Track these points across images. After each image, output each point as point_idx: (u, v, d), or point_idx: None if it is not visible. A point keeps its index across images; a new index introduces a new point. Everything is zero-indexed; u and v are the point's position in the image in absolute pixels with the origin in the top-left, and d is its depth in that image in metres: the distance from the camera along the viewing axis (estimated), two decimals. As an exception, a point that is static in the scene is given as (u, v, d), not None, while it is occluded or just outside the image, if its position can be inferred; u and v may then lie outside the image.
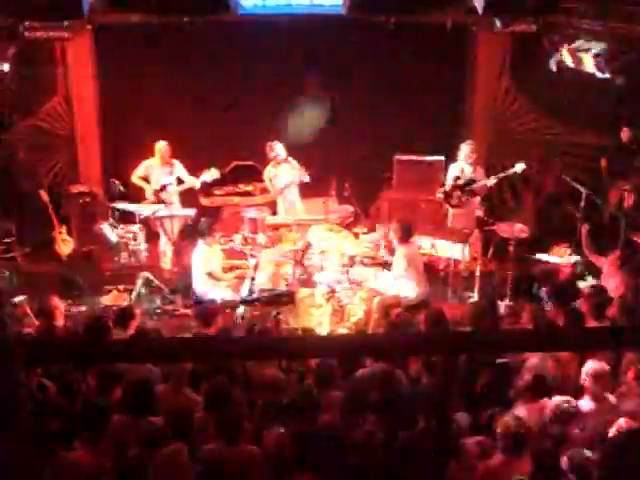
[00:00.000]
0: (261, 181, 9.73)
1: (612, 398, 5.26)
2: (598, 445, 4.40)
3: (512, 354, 5.87)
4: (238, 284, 8.23)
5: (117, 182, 9.39)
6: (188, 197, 9.73)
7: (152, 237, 9.82)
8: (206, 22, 10.11)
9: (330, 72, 10.52)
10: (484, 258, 9.37)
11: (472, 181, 9.38)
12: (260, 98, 10.47)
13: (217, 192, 10.02)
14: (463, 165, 9.45)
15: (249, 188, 10.06)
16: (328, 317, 7.79)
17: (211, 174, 9.29)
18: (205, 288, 8.27)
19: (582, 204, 9.27)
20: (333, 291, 7.89)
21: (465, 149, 9.47)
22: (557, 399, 4.86)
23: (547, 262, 8.89)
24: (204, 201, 9.88)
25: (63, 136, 10.56)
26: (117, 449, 4.79)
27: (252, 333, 6.51)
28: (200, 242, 8.37)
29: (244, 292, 7.83)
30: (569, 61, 8.73)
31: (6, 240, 9.62)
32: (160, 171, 9.36)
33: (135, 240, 9.61)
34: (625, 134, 9.87)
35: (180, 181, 9.41)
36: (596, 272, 8.27)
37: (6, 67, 8.81)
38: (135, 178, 9.37)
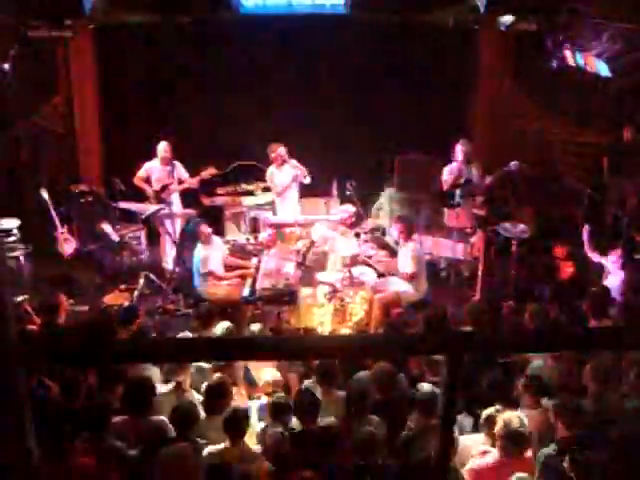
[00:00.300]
0: (263, 180, 9.72)
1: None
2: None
3: (514, 354, 5.86)
4: (240, 283, 8.23)
5: (118, 181, 9.39)
6: (190, 196, 9.73)
7: (153, 236, 9.84)
8: (207, 22, 10.13)
9: (331, 72, 10.51)
10: (486, 258, 9.35)
11: (469, 181, 9.37)
12: (261, 98, 10.45)
13: (219, 191, 10.01)
14: (459, 165, 9.45)
15: (251, 187, 10.05)
16: (330, 317, 7.79)
17: (208, 171, 9.31)
18: (205, 287, 8.28)
19: (584, 203, 9.27)
20: (335, 290, 7.88)
21: (460, 149, 9.47)
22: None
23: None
24: (206, 200, 9.87)
25: (64, 135, 10.56)
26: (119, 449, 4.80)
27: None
28: (198, 243, 8.38)
29: (246, 291, 7.82)
30: (581, 64, 8.66)
31: (8, 239, 9.61)
32: (160, 172, 9.36)
33: (136, 239, 9.62)
34: (627, 133, 9.85)
35: (180, 181, 9.41)
36: (598, 272, 8.26)
37: (7, 66, 8.81)
38: (137, 180, 9.38)
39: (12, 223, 9.37)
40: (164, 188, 9.26)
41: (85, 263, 9.66)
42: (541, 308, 6.63)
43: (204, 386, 5.49)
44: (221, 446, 4.79)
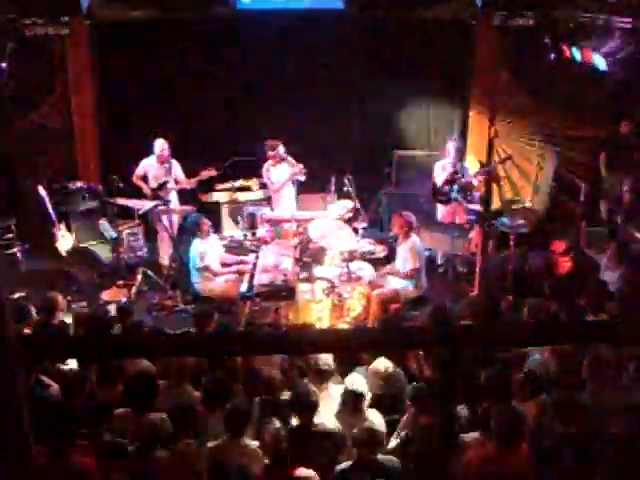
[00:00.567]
0: (260, 176, 9.71)
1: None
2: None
3: (512, 348, 5.87)
4: (237, 279, 8.23)
5: (116, 178, 9.38)
6: (187, 193, 9.73)
7: (151, 233, 9.84)
8: (205, 18, 10.12)
9: (329, 68, 10.50)
10: (484, 253, 9.35)
11: (461, 177, 9.40)
12: (259, 94, 10.45)
13: (216, 187, 10.01)
14: (452, 161, 9.47)
15: (248, 183, 10.04)
16: (328, 312, 7.79)
17: (208, 172, 9.33)
18: (202, 283, 8.28)
19: (581, 198, 9.28)
20: (333, 286, 7.89)
21: (452, 145, 9.48)
22: None
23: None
24: (203, 197, 9.87)
25: (61, 133, 10.54)
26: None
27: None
28: (196, 238, 8.37)
29: (244, 287, 7.83)
30: (578, 58, 8.66)
31: (6, 236, 9.62)
32: (157, 169, 9.36)
33: (134, 236, 9.62)
34: (624, 128, 9.86)
35: (177, 181, 9.42)
36: (595, 267, 8.27)
37: (4, 64, 8.79)
38: (135, 178, 9.39)
39: (9, 220, 9.40)
40: (161, 186, 9.26)
41: (82, 260, 9.65)
42: (539, 303, 6.65)
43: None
44: (220, 442, 4.79)
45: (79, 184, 10.08)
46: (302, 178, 9.43)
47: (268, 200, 9.83)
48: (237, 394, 5.43)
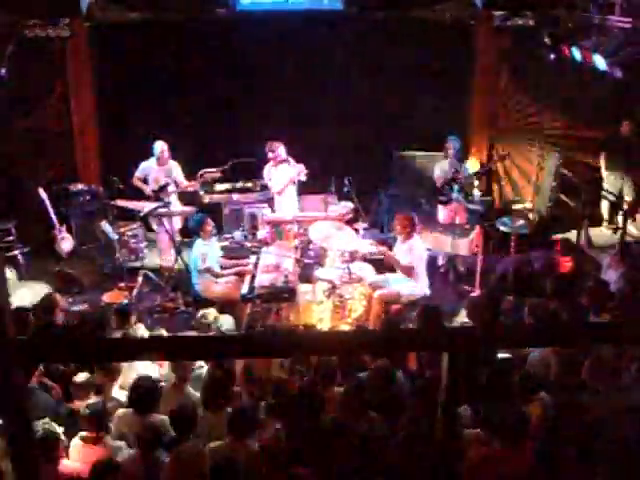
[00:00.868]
0: (261, 177, 9.71)
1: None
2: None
3: (513, 349, 5.87)
4: (238, 281, 8.22)
5: (116, 180, 9.38)
6: (188, 194, 9.73)
7: (152, 235, 9.83)
8: (204, 19, 10.11)
9: (329, 68, 10.50)
10: (485, 253, 9.35)
11: (461, 177, 9.39)
12: (259, 95, 10.44)
13: (217, 189, 10.00)
14: (451, 161, 9.47)
15: (249, 185, 10.04)
16: (329, 313, 7.79)
17: (210, 174, 9.34)
18: (204, 284, 8.27)
19: (582, 199, 9.28)
20: (334, 287, 7.88)
21: (451, 145, 9.48)
22: None
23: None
24: (204, 198, 9.87)
25: (61, 134, 10.54)
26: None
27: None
28: (197, 239, 8.36)
29: (245, 289, 7.82)
30: (578, 58, 8.65)
31: (6, 239, 9.61)
32: (157, 171, 9.36)
33: (135, 238, 9.62)
34: (625, 127, 9.85)
35: (177, 184, 9.43)
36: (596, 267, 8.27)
37: (4, 67, 8.79)
38: (134, 180, 9.39)
39: (10, 223, 9.40)
40: (162, 188, 9.26)
41: (83, 262, 9.66)
42: (540, 303, 6.64)
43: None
44: (223, 443, 4.79)
45: (80, 186, 10.09)
46: (303, 178, 9.43)
47: (269, 202, 9.82)
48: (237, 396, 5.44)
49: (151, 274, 9.13)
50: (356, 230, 9.02)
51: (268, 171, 9.51)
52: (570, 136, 10.52)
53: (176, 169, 9.42)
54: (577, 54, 8.59)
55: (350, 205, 9.24)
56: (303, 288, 7.99)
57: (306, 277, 8.23)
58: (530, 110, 10.75)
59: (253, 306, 7.76)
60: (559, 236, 9.78)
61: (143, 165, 9.42)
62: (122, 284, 9.00)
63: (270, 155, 9.41)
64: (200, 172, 9.45)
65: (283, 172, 9.47)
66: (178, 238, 9.39)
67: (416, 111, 10.59)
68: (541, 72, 10.00)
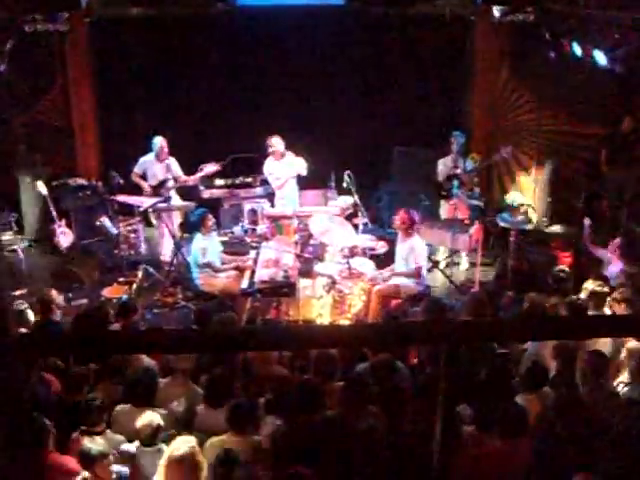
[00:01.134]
0: (261, 172, 9.70)
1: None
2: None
3: (512, 343, 5.88)
4: (238, 276, 8.22)
5: (116, 175, 9.38)
6: (188, 189, 9.72)
7: (152, 230, 9.83)
8: (204, 14, 10.10)
9: (329, 63, 10.49)
10: (484, 248, 9.36)
11: (462, 173, 9.40)
12: (259, 90, 10.43)
13: (217, 184, 9.99)
14: (454, 157, 9.47)
15: (249, 180, 10.03)
16: (329, 308, 7.79)
17: (210, 168, 9.33)
18: (203, 279, 8.28)
19: (583, 195, 9.27)
20: (334, 282, 7.88)
21: (454, 141, 9.49)
22: None
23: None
24: (204, 193, 9.86)
25: (61, 129, 10.54)
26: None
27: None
28: (197, 233, 8.36)
29: (245, 284, 7.82)
30: (578, 54, 8.62)
31: (6, 233, 9.62)
32: (156, 167, 9.36)
33: (135, 233, 9.62)
34: (626, 123, 9.82)
35: (176, 179, 9.42)
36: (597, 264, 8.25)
37: (3, 62, 8.78)
38: (133, 176, 9.39)
39: (10, 217, 9.40)
40: (161, 184, 9.25)
41: (83, 256, 9.66)
42: (540, 298, 6.64)
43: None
44: (224, 437, 4.79)
45: (79, 181, 10.09)
46: (304, 172, 9.42)
47: (269, 196, 9.82)
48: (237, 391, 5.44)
49: (151, 269, 9.13)
50: (355, 226, 9.02)
51: (268, 165, 9.51)
52: (570, 132, 10.51)
53: (174, 165, 9.41)
54: (577, 50, 8.57)
55: (350, 200, 9.23)
56: (303, 283, 7.99)
57: (306, 272, 8.22)
58: (530, 106, 10.74)
59: (253, 301, 7.77)
60: (559, 232, 9.80)
61: (141, 160, 9.41)
62: (122, 279, 9.00)
63: (270, 150, 9.40)
64: (200, 166, 9.43)
65: (283, 166, 9.46)
66: (178, 233, 9.39)
67: (416, 106, 10.59)
68: (542, 68, 9.98)
